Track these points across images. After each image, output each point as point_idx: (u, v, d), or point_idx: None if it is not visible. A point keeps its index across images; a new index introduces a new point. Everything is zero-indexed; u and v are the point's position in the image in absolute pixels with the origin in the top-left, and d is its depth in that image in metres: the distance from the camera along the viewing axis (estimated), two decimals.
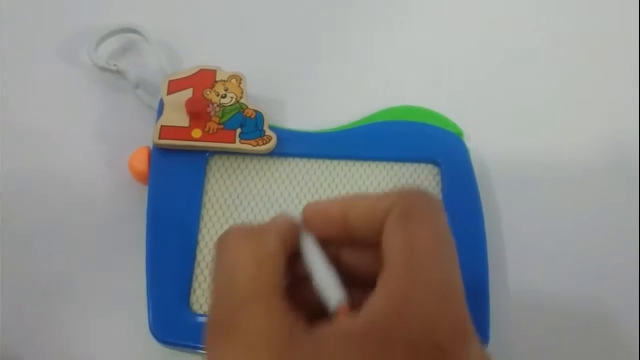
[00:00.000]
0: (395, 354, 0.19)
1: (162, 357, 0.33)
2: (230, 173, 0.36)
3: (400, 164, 0.37)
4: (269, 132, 0.36)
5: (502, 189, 0.38)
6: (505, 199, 0.38)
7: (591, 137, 0.40)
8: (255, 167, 0.36)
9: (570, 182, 0.39)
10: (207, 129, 0.36)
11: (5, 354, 0.32)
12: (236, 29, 0.43)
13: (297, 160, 0.37)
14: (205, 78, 0.37)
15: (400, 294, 0.20)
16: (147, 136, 0.36)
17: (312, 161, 0.37)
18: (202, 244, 0.34)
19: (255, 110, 0.36)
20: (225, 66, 0.38)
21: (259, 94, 0.39)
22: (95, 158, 0.38)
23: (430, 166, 0.37)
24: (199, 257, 0.34)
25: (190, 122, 0.36)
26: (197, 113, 0.36)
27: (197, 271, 0.33)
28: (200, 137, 0.35)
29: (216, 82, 0.37)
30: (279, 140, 0.36)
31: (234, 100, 0.37)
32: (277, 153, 0.36)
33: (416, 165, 0.37)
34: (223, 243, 0.23)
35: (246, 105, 0.36)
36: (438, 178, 0.36)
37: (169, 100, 0.36)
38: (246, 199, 0.36)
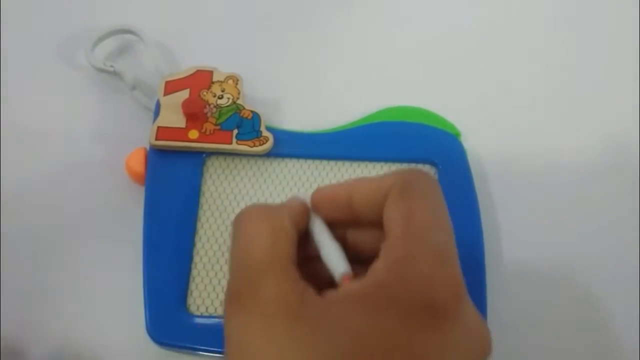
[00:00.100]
0: (395, 311, 0.21)
1: (160, 358, 0.33)
2: (226, 174, 0.36)
3: (398, 165, 0.37)
4: (265, 133, 0.36)
5: (499, 189, 0.38)
6: (503, 200, 0.38)
7: (589, 137, 0.40)
8: (252, 167, 0.36)
9: (568, 183, 0.39)
10: (203, 130, 0.35)
11: (5, 344, 0.32)
12: (233, 30, 0.43)
13: (294, 160, 0.37)
14: (201, 79, 0.37)
15: (399, 258, 0.22)
16: (143, 137, 0.36)
17: (309, 162, 0.37)
18: (198, 245, 0.34)
19: (251, 111, 0.36)
20: (222, 67, 0.38)
21: (255, 94, 0.39)
22: (92, 159, 0.38)
23: (427, 166, 0.37)
24: (196, 258, 0.34)
25: (186, 123, 0.36)
26: (194, 114, 0.36)
27: (194, 272, 0.33)
28: (196, 138, 0.35)
29: (212, 82, 0.37)
30: (276, 140, 0.36)
31: (230, 101, 0.37)
32: (273, 154, 0.36)
33: (413, 165, 0.37)
34: (240, 219, 0.25)
35: (242, 106, 0.36)
36: (435, 178, 0.36)
37: (165, 101, 0.36)
38: (243, 199, 0.36)
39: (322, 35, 0.44)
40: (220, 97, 0.37)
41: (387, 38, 0.44)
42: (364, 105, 0.39)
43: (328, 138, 0.37)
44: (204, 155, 0.36)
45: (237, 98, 0.37)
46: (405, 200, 0.23)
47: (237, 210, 0.35)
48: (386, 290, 0.22)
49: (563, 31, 0.45)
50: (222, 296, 0.33)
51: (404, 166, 0.37)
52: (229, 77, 0.37)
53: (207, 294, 0.33)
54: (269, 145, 0.35)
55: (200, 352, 0.32)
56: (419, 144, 0.37)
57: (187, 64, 0.38)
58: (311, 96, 0.41)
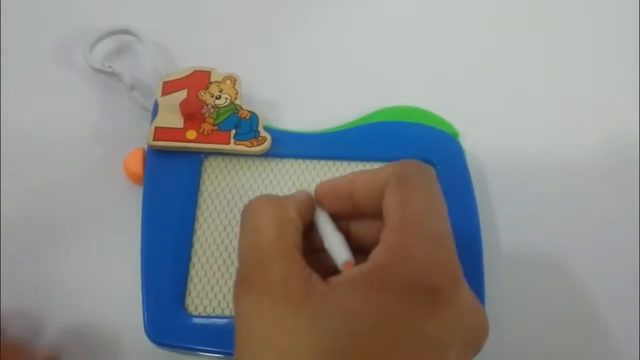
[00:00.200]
0: (394, 292, 0.22)
1: (158, 358, 0.33)
2: (224, 174, 0.36)
3: None
4: (263, 133, 0.36)
5: (498, 189, 0.38)
6: (501, 199, 0.38)
7: (587, 137, 0.40)
8: (250, 167, 0.36)
9: (567, 183, 0.39)
10: (201, 130, 0.35)
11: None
12: (231, 30, 0.43)
13: (292, 160, 0.37)
14: (199, 79, 0.37)
15: (397, 244, 0.23)
16: (141, 137, 0.36)
17: (307, 162, 0.37)
18: (196, 245, 0.34)
19: (249, 111, 0.36)
20: (220, 67, 0.38)
21: (253, 94, 0.39)
22: (89, 159, 0.38)
23: None
24: (194, 259, 0.34)
25: (184, 123, 0.36)
26: (192, 114, 0.36)
27: (192, 272, 0.33)
28: (194, 138, 0.35)
29: (210, 83, 0.37)
30: (274, 140, 0.36)
31: (228, 101, 0.37)
32: (271, 154, 0.36)
33: None
34: (248, 209, 0.26)
35: (240, 106, 0.36)
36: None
37: (163, 101, 0.36)
38: (241, 199, 0.36)
39: (320, 35, 0.44)
40: (218, 98, 0.37)
41: (386, 38, 0.44)
42: (362, 105, 0.39)
43: (326, 138, 0.37)
44: (201, 155, 0.36)
45: (235, 98, 0.37)
46: (402, 189, 0.24)
47: (235, 211, 0.35)
48: (385, 273, 0.23)
49: (562, 31, 0.45)
50: (220, 296, 0.33)
51: None
52: (227, 77, 0.37)
53: (205, 294, 0.33)
54: (266, 145, 0.35)
55: (199, 352, 0.32)
56: (417, 143, 0.37)
57: (185, 65, 0.38)
58: (309, 96, 0.41)
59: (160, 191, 0.35)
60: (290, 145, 0.37)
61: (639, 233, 0.37)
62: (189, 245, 0.34)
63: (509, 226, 0.37)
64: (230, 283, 0.33)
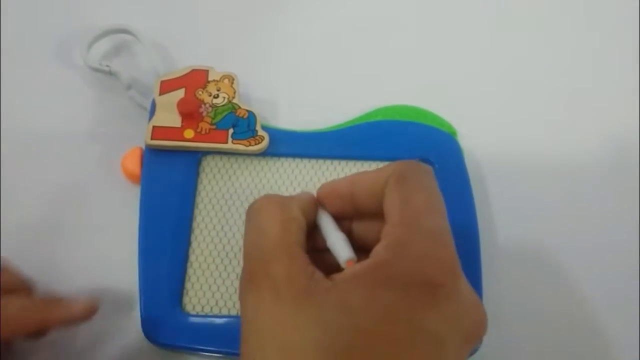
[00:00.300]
0: (395, 286, 0.23)
1: (155, 357, 0.33)
2: (222, 173, 0.36)
3: None
4: (261, 132, 0.36)
5: (495, 187, 0.38)
6: (498, 198, 0.38)
7: (586, 136, 0.40)
8: (248, 167, 0.36)
9: (565, 182, 0.39)
10: (199, 129, 0.35)
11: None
12: (228, 29, 0.43)
13: (290, 160, 0.37)
14: (197, 78, 0.37)
15: (398, 240, 0.24)
16: (139, 136, 0.36)
17: (305, 161, 0.37)
18: (194, 244, 0.34)
19: (247, 110, 0.36)
20: (218, 66, 0.38)
21: (251, 93, 0.39)
22: (87, 158, 0.38)
23: None
24: (192, 258, 0.34)
25: (182, 122, 0.36)
26: (189, 113, 0.36)
27: (190, 271, 0.33)
28: (192, 138, 0.35)
29: (208, 82, 0.37)
30: (271, 140, 0.36)
31: (226, 100, 0.37)
32: (269, 153, 0.36)
33: None
34: (253, 208, 0.27)
35: (238, 105, 0.36)
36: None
37: (160, 100, 0.36)
38: (239, 199, 0.36)
39: (319, 35, 0.44)
40: (216, 97, 0.37)
41: (384, 37, 0.44)
42: (360, 104, 0.39)
43: (323, 137, 0.37)
44: (199, 154, 0.36)
45: (233, 97, 0.37)
46: (402, 188, 0.25)
47: (233, 210, 0.35)
48: (386, 268, 0.23)
49: (562, 30, 0.45)
50: (217, 296, 0.33)
51: None
52: (225, 76, 0.37)
53: (202, 293, 0.33)
54: (264, 144, 0.35)
55: (196, 352, 0.32)
56: (415, 142, 0.37)
57: (182, 64, 0.38)
58: (307, 95, 0.41)
59: (158, 190, 0.35)
60: (288, 145, 0.37)
61: (638, 232, 0.37)
62: (187, 244, 0.34)
63: (507, 225, 0.37)
64: (228, 282, 0.33)
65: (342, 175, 0.36)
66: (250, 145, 0.35)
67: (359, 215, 0.27)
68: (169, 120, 0.36)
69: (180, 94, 0.36)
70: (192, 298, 0.33)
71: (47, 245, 0.36)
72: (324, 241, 0.27)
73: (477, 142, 0.39)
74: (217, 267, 0.34)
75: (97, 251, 0.35)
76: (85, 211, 0.36)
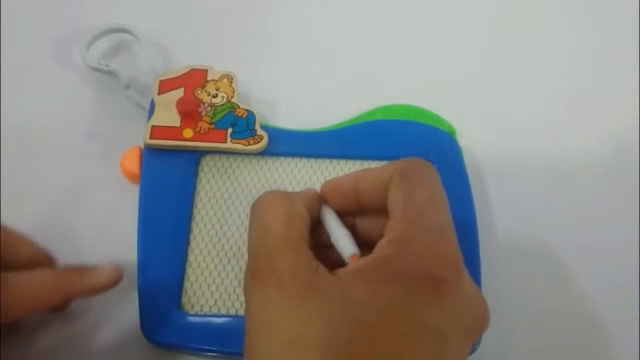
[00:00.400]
0: (398, 281, 0.23)
1: (154, 357, 0.33)
2: (221, 172, 0.36)
3: None
4: (260, 131, 0.36)
5: (495, 187, 0.38)
6: (498, 197, 0.38)
7: (586, 136, 0.40)
8: (247, 166, 0.36)
9: (565, 182, 0.39)
10: (198, 129, 0.35)
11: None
12: (227, 29, 0.43)
13: (289, 159, 0.37)
14: (196, 77, 0.37)
15: (401, 236, 0.24)
16: (138, 136, 0.36)
17: (304, 160, 0.37)
18: (193, 244, 0.34)
19: (246, 110, 0.36)
20: (217, 65, 0.38)
21: (250, 93, 0.39)
22: (86, 158, 0.38)
23: None
24: (190, 257, 0.34)
25: (181, 121, 0.36)
26: (188, 113, 0.35)
27: (189, 271, 0.33)
28: (191, 137, 0.35)
29: (207, 81, 0.37)
30: (271, 139, 0.36)
31: (225, 99, 0.36)
32: (268, 152, 0.36)
33: None
34: (258, 204, 0.27)
35: (237, 105, 0.36)
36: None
37: (159, 99, 0.36)
38: (238, 198, 0.35)
39: (318, 34, 0.44)
40: (215, 96, 0.37)
41: (383, 36, 0.44)
42: (359, 104, 0.39)
43: (323, 136, 0.37)
44: (198, 154, 0.36)
45: (232, 97, 0.37)
46: (406, 184, 0.25)
47: (232, 209, 0.35)
48: (389, 263, 0.24)
49: (562, 30, 0.45)
50: (216, 295, 0.33)
51: None
52: (224, 75, 0.37)
53: (201, 293, 0.33)
54: (263, 143, 0.35)
55: (195, 351, 0.32)
56: (414, 141, 0.37)
57: (181, 63, 0.38)
58: (306, 94, 0.41)
59: (157, 189, 0.35)
60: (287, 144, 0.37)
61: (638, 231, 0.37)
62: (186, 243, 0.34)
63: (506, 223, 0.37)
64: (227, 282, 0.33)
65: (341, 174, 0.36)
66: (249, 144, 0.35)
67: (362, 211, 0.28)
68: (168, 120, 0.36)
69: (179, 93, 0.36)
70: (191, 297, 0.33)
71: (46, 244, 0.35)
72: (328, 237, 0.27)
73: (476, 142, 0.39)
74: (216, 266, 0.34)
75: (96, 250, 0.35)
76: (84, 210, 0.36)
